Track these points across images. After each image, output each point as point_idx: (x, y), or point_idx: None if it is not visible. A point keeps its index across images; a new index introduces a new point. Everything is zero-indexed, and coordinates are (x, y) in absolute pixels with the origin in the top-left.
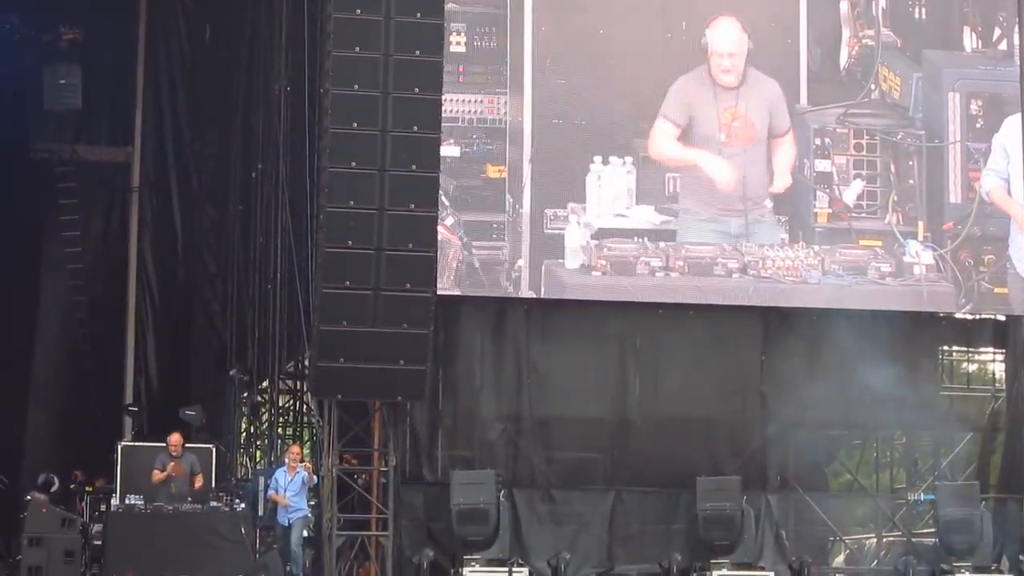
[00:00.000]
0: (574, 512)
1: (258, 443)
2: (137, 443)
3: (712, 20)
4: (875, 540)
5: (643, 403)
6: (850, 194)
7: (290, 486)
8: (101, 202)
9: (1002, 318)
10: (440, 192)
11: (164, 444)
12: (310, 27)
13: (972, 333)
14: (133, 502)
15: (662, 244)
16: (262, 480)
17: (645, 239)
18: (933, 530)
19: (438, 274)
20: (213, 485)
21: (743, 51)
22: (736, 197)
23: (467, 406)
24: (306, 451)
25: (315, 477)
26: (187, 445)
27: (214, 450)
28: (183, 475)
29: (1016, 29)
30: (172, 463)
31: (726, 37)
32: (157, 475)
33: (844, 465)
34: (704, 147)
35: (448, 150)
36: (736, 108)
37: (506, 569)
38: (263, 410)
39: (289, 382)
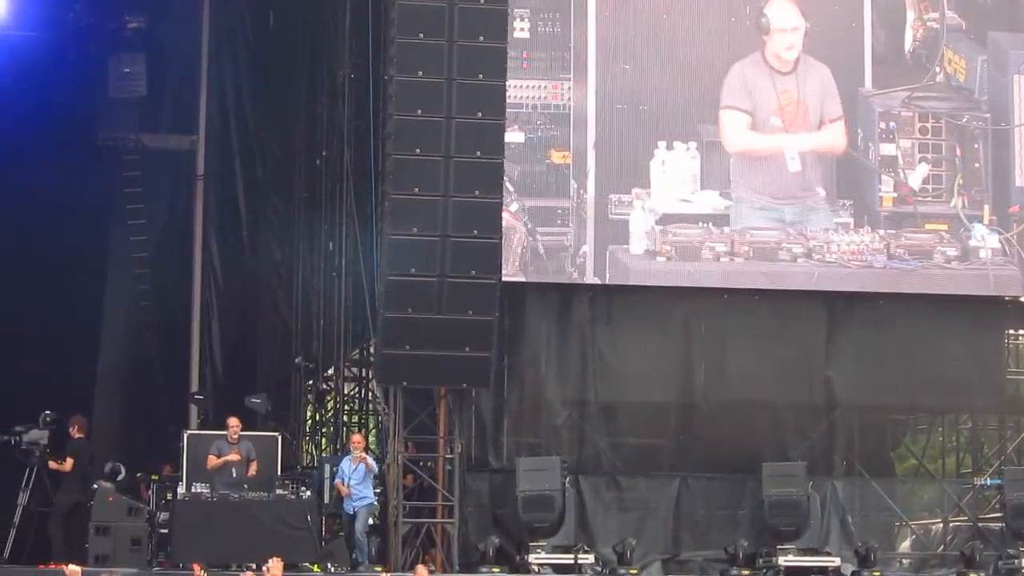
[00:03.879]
0: (640, 498)
1: (323, 431)
2: (203, 431)
3: (768, 1)
4: (941, 525)
5: (708, 388)
6: (915, 178)
7: (354, 474)
8: (166, 190)
9: None
10: (504, 178)
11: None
12: (374, 14)
13: None
14: (199, 490)
15: (727, 229)
16: (328, 468)
17: (710, 224)
18: (1000, 515)
19: (503, 260)
20: (279, 473)
21: (802, 28)
22: (793, 184)
23: (532, 392)
24: (371, 439)
25: (375, 465)
26: (252, 433)
27: (279, 438)
28: (240, 461)
29: None
30: (231, 450)
31: (786, 13)
32: (212, 460)
33: (910, 450)
34: (769, 133)
35: (512, 136)
36: (792, 92)
37: (572, 555)
38: (328, 398)
39: (354, 369)
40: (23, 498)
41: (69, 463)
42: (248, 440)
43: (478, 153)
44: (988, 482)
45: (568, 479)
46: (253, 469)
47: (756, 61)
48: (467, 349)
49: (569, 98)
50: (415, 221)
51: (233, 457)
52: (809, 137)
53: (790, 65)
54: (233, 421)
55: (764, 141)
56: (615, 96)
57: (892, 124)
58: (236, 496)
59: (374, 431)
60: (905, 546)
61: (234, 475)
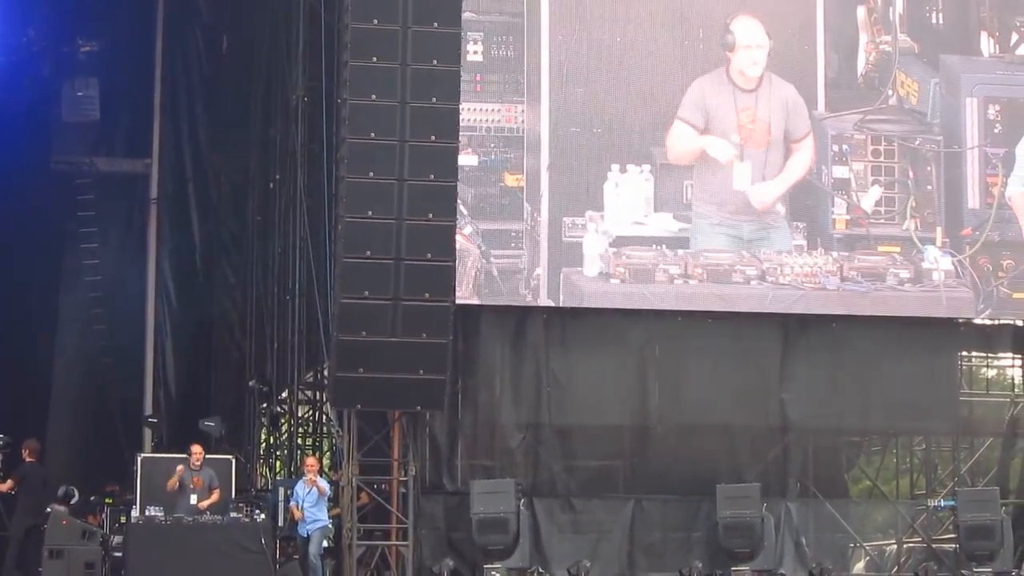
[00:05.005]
0: (594, 520)
1: (277, 454)
2: (157, 454)
3: (735, 17)
4: (895, 546)
5: (663, 411)
6: (868, 200)
7: (308, 497)
8: (120, 214)
9: (1021, 323)
10: (458, 201)
11: (184, 455)
12: (327, 37)
13: (991, 338)
14: (153, 513)
15: (680, 252)
16: (282, 491)
17: (663, 247)
18: (953, 536)
19: (456, 283)
20: (233, 496)
21: (767, 47)
22: (747, 198)
23: (487, 415)
24: (326, 462)
25: (327, 488)
26: (206, 456)
27: (234, 461)
28: (202, 487)
29: None
30: (194, 477)
31: (752, 30)
32: (172, 482)
33: (864, 471)
34: (720, 146)
35: (466, 159)
36: (753, 110)
37: None
38: (282, 421)
39: (308, 392)
40: None
41: (7, 484)
42: (211, 468)
43: (432, 176)
44: (942, 503)
45: (523, 501)
46: (215, 497)
47: (719, 78)
48: (421, 372)
49: (523, 121)
50: (369, 244)
51: (196, 482)
52: (761, 155)
53: (754, 82)
54: (196, 448)
55: (699, 142)
56: (569, 119)
57: (845, 147)
58: (190, 519)
59: (328, 454)
60: (859, 568)
61: (193, 501)
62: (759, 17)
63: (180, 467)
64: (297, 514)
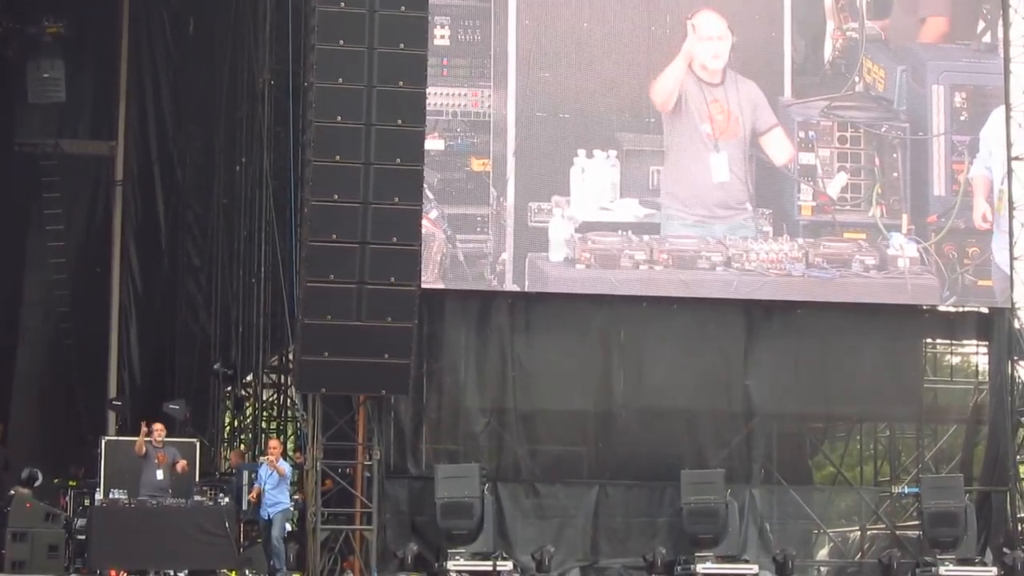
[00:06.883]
0: (558, 505)
1: (242, 437)
2: (121, 437)
3: (696, 12)
4: (859, 533)
5: (627, 396)
6: (834, 187)
7: (269, 480)
8: (85, 196)
9: (985, 310)
10: (424, 185)
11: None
12: (294, 20)
13: (956, 326)
14: (117, 496)
15: (646, 237)
16: (246, 474)
17: (629, 232)
18: (917, 523)
19: (422, 267)
20: (197, 479)
21: (728, 40)
22: (726, 197)
23: (451, 400)
24: (291, 445)
25: (288, 470)
26: (171, 439)
27: (198, 444)
28: (166, 464)
29: (1000, 22)
30: (157, 454)
31: (712, 23)
32: (139, 444)
33: (828, 458)
34: (691, 136)
35: (432, 143)
36: (722, 103)
37: (490, 562)
38: (247, 404)
39: (273, 376)
40: None
41: None
42: (172, 446)
43: (398, 160)
44: (905, 490)
45: (487, 486)
46: (182, 467)
47: (684, 71)
48: (386, 356)
49: (489, 106)
50: (334, 228)
51: (161, 458)
52: (730, 147)
53: (718, 76)
54: (158, 426)
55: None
56: (535, 104)
57: (811, 133)
58: (154, 502)
59: (293, 437)
60: (823, 554)
61: (160, 477)
62: (721, 11)
63: (143, 435)
64: (252, 495)
